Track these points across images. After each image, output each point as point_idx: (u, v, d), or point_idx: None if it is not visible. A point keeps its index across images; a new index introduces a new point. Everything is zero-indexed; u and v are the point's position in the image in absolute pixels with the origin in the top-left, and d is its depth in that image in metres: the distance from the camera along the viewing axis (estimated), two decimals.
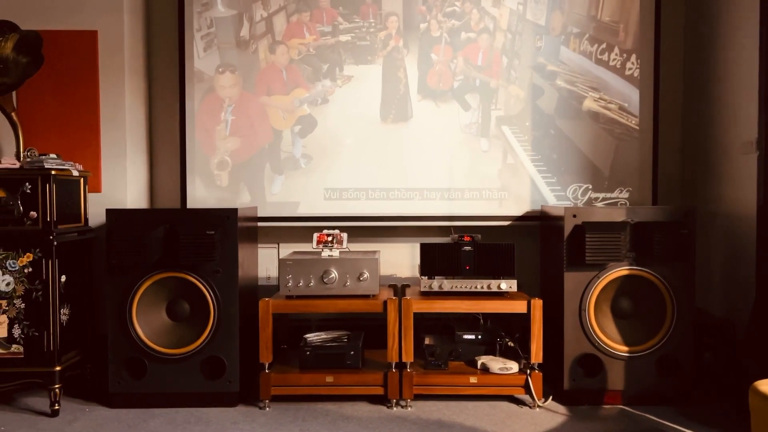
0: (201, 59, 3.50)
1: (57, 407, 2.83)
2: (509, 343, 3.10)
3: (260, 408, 2.90)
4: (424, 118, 3.53)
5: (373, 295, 3.01)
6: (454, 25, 3.48)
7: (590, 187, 3.53)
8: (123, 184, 3.39)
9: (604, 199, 3.52)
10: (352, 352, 3.00)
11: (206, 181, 3.54)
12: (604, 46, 3.49)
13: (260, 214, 3.53)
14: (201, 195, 3.53)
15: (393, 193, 3.54)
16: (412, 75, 3.51)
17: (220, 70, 3.49)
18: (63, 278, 2.89)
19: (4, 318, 2.80)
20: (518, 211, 3.52)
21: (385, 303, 2.91)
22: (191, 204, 3.54)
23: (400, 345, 2.91)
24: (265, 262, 3.65)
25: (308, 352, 2.99)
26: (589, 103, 3.48)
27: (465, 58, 3.48)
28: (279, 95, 3.48)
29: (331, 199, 3.54)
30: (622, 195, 3.52)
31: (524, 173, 3.52)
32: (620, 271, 2.90)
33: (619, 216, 2.92)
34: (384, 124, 3.52)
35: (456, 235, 3.12)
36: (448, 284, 3.03)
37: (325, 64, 3.49)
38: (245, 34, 3.47)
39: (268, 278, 3.66)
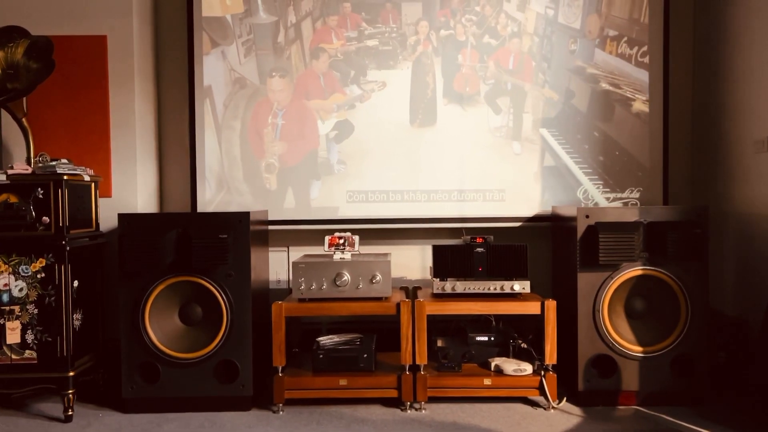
0: (242, 65, 3.52)
1: (70, 413, 2.82)
2: (522, 345, 3.09)
3: (274, 412, 2.89)
4: (450, 121, 3.53)
5: (386, 298, 3.00)
6: (479, 30, 3.49)
7: (599, 187, 3.52)
8: (133, 188, 3.38)
9: (615, 199, 3.51)
10: (365, 355, 2.99)
11: (253, 185, 3.55)
12: (645, 48, 3.49)
13: (304, 218, 3.54)
14: (248, 201, 3.56)
15: (407, 195, 3.55)
16: (439, 79, 3.53)
17: (272, 74, 3.52)
18: (75, 283, 2.89)
19: (17, 324, 2.80)
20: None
21: (398, 305, 2.91)
22: (237, 207, 3.56)
23: (414, 347, 2.90)
24: (275, 265, 3.65)
25: (321, 355, 2.99)
26: (639, 105, 3.49)
27: (496, 61, 3.49)
28: (318, 100, 3.52)
29: (354, 202, 3.55)
30: (632, 195, 3.51)
31: (568, 175, 3.52)
32: (634, 271, 2.89)
33: (631, 216, 2.91)
34: (412, 128, 3.54)
35: (468, 237, 3.11)
36: (460, 286, 3.02)
37: (352, 69, 3.52)
38: (282, 40, 3.50)
39: (278, 281, 3.65)
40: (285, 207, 3.56)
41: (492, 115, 3.53)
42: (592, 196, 3.50)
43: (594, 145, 3.52)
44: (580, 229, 2.92)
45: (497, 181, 3.54)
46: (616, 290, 2.91)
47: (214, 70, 3.54)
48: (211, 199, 3.56)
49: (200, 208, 3.55)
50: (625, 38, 3.50)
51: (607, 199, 3.51)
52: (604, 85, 3.47)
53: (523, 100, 3.53)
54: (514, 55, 3.51)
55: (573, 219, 2.97)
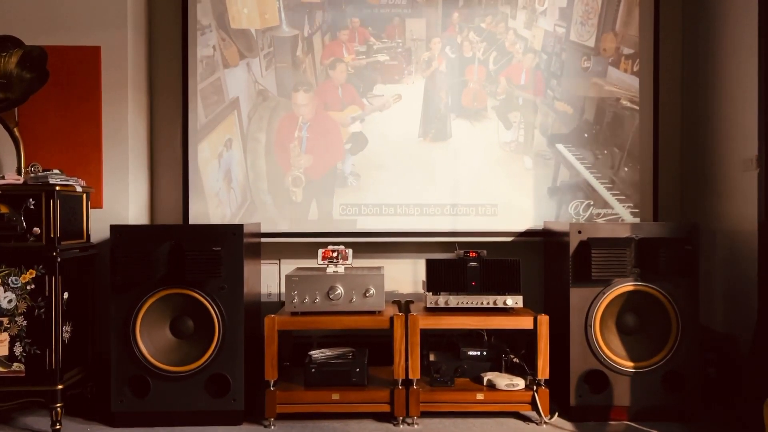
0: (263, 77, 3.54)
1: (58, 427, 2.78)
2: (514, 360, 3.09)
3: (265, 426, 2.87)
4: (459, 136, 3.56)
5: (379, 312, 3.00)
6: (486, 46, 3.53)
7: (591, 203, 3.55)
8: (125, 199, 3.36)
9: (605, 215, 3.55)
10: (358, 369, 2.98)
11: (277, 196, 3.55)
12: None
13: (326, 231, 3.55)
14: (271, 213, 3.56)
15: (400, 209, 3.56)
16: (448, 94, 3.56)
17: (297, 89, 3.54)
18: (65, 295, 2.85)
19: (5, 336, 2.76)
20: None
21: (391, 319, 2.90)
22: (259, 220, 3.56)
23: (407, 362, 2.90)
24: (266, 278, 3.63)
25: (313, 370, 2.97)
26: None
27: (507, 77, 3.53)
28: (335, 112, 3.55)
29: (369, 215, 3.58)
30: (623, 211, 3.54)
31: (588, 189, 3.56)
32: (625, 286, 2.91)
33: (623, 232, 2.94)
34: (424, 142, 3.56)
35: (461, 251, 3.12)
36: (454, 300, 3.02)
37: (361, 83, 3.55)
38: (300, 53, 3.53)
39: (269, 294, 3.64)
40: (309, 219, 3.56)
41: (503, 130, 3.56)
42: (617, 210, 3.55)
43: (605, 159, 3.56)
44: (573, 244, 2.94)
45: (498, 195, 3.55)
46: (608, 306, 2.92)
47: (240, 82, 3.55)
48: (235, 212, 3.56)
49: (227, 221, 3.54)
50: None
51: (598, 215, 3.54)
52: (624, 102, 3.52)
53: (533, 115, 3.56)
54: (525, 72, 3.55)
55: (566, 234, 2.99)
